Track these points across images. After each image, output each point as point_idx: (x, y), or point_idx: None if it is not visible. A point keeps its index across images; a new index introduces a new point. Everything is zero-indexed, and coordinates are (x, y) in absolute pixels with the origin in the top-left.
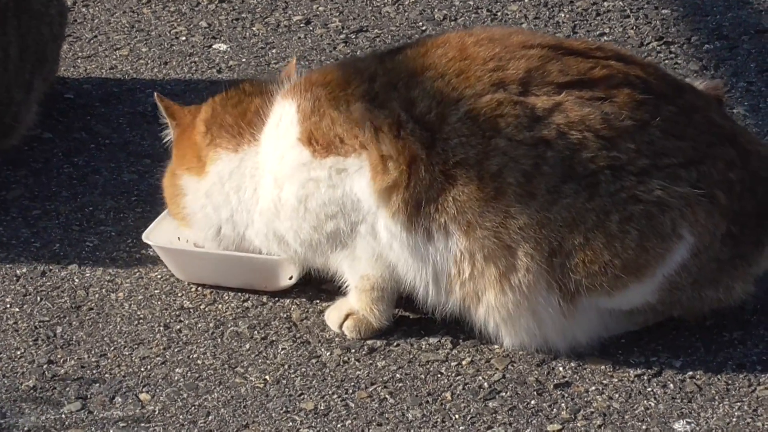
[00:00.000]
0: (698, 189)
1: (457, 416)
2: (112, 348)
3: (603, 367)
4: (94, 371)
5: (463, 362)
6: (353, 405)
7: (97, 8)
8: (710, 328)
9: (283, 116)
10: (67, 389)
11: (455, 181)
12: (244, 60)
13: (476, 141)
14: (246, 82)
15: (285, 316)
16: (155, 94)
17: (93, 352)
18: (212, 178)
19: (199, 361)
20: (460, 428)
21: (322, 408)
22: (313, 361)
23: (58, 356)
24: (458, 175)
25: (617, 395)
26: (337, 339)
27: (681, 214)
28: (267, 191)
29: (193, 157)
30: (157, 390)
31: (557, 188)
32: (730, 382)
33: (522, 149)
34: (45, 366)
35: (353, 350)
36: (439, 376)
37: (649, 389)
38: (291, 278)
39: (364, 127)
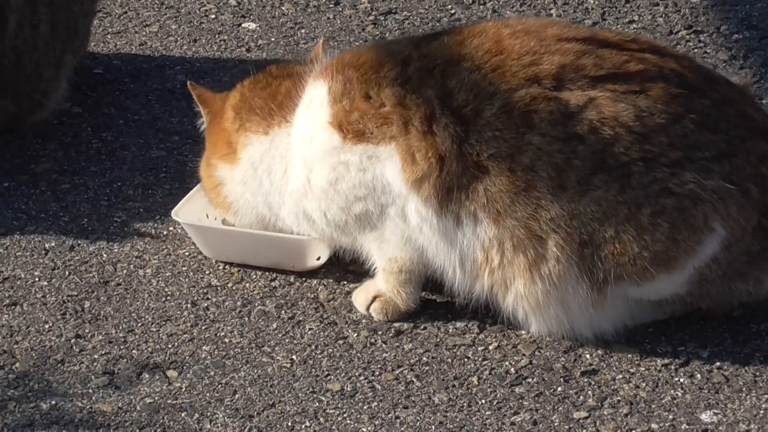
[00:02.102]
0: (731, 182)
1: (483, 401)
2: (140, 324)
3: (630, 355)
4: (122, 347)
5: (490, 347)
6: (379, 387)
7: None
8: (738, 320)
9: (314, 98)
10: (95, 364)
11: (487, 172)
12: (273, 39)
13: (509, 135)
14: (272, 65)
15: (312, 296)
16: (188, 82)
17: (120, 328)
18: (245, 165)
19: (227, 340)
20: (486, 413)
21: (348, 389)
22: (340, 342)
23: (86, 331)
24: (490, 167)
25: (644, 384)
26: (364, 320)
27: (713, 207)
28: (296, 171)
29: (225, 143)
30: (184, 367)
31: (588, 180)
32: (757, 373)
33: (556, 145)
34: (73, 340)
35: (380, 332)
36: (465, 360)
37: (676, 379)
38: (319, 258)
39: (393, 122)
